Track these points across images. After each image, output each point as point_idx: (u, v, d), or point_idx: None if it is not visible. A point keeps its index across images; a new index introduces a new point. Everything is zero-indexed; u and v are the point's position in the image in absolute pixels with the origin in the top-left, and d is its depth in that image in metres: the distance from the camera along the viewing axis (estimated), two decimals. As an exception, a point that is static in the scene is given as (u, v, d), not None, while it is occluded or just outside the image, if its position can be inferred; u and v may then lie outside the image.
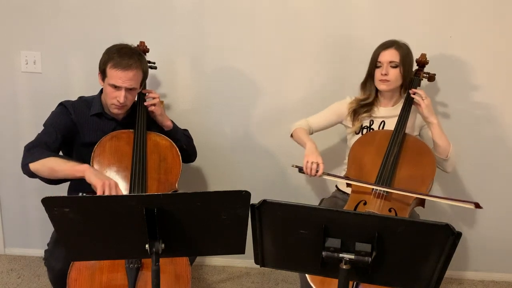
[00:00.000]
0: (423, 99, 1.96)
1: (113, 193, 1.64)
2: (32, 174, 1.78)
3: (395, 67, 1.97)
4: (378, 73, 2.01)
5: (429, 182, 1.90)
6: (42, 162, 1.74)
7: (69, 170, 1.72)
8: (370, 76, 2.05)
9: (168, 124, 2.03)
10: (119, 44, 1.91)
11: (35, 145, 1.80)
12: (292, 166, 1.99)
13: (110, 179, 1.69)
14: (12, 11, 2.35)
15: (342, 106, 2.13)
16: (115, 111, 1.92)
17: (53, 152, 1.81)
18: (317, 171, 1.89)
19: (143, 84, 1.97)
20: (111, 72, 1.82)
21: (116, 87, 1.84)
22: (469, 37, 2.31)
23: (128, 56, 1.83)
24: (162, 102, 2.36)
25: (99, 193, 1.63)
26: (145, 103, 2.00)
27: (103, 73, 1.87)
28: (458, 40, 2.32)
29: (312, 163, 1.88)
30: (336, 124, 2.17)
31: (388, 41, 2.01)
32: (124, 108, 1.92)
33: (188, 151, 2.10)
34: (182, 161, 1.96)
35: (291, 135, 2.14)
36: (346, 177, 1.94)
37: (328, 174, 1.91)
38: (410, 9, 2.30)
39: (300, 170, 1.93)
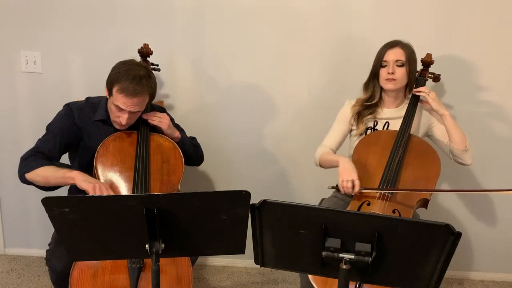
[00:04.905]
0: (428, 94, 1.97)
1: (105, 194, 1.66)
2: (29, 183, 1.83)
3: (401, 66, 1.97)
4: (384, 72, 1.99)
5: (434, 183, 1.90)
6: (36, 172, 1.78)
7: (61, 178, 1.76)
8: (374, 76, 2.04)
9: (176, 136, 2.01)
10: (129, 62, 1.85)
11: (30, 155, 1.83)
12: (328, 187, 2.02)
13: (100, 182, 1.73)
14: (12, 11, 2.35)
15: (346, 112, 2.11)
16: (117, 127, 1.92)
17: (50, 159, 1.84)
18: (353, 188, 1.85)
19: (149, 103, 1.97)
20: (117, 96, 1.80)
21: (120, 109, 1.83)
22: (473, 37, 2.31)
23: (136, 82, 1.78)
24: (162, 102, 2.36)
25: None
26: (149, 121, 1.97)
27: (109, 91, 1.84)
28: (462, 41, 2.32)
29: (347, 181, 1.84)
30: (349, 130, 2.13)
31: (393, 40, 2.01)
32: (126, 126, 1.91)
33: (194, 159, 2.12)
34: (185, 164, 1.95)
35: (320, 165, 2.09)
36: (382, 188, 1.88)
37: (365, 188, 1.87)
38: (412, 10, 2.30)
39: (338, 189, 1.92)
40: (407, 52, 1.98)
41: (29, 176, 1.79)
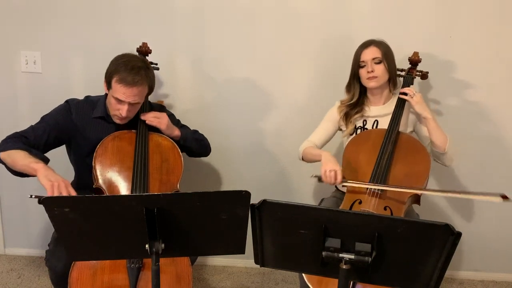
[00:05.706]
0: (412, 97, 1.99)
1: (64, 193, 1.58)
2: (2, 162, 1.79)
3: (379, 62, 2.01)
4: (363, 72, 2.03)
5: (424, 179, 1.91)
6: (9, 153, 1.75)
7: (26, 165, 1.69)
8: (354, 77, 2.09)
9: (176, 135, 2.01)
10: (127, 55, 1.87)
11: (14, 136, 1.82)
12: (311, 176, 1.98)
13: (60, 180, 1.62)
14: (12, 11, 2.35)
15: (334, 112, 2.15)
16: (117, 121, 1.92)
17: (32, 146, 1.80)
18: (336, 179, 1.86)
19: (148, 96, 1.97)
20: (116, 87, 1.80)
21: (119, 101, 1.83)
22: (464, 37, 2.31)
23: (135, 72, 1.79)
24: (162, 101, 2.36)
25: (49, 194, 1.57)
26: (147, 122, 1.96)
27: (108, 84, 1.85)
28: (454, 40, 2.32)
29: (330, 171, 1.86)
30: (336, 131, 2.17)
31: (367, 40, 2.06)
32: (126, 120, 1.91)
33: (199, 152, 2.14)
34: (193, 156, 1.97)
35: (302, 159, 2.12)
36: (367, 183, 1.89)
37: (348, 181, 1.89)
38: (412, 10, 2.30)
39: (320, 179, 1.92)
40: (382, 48, 2.02)
41: (2, 155, 1.76)
